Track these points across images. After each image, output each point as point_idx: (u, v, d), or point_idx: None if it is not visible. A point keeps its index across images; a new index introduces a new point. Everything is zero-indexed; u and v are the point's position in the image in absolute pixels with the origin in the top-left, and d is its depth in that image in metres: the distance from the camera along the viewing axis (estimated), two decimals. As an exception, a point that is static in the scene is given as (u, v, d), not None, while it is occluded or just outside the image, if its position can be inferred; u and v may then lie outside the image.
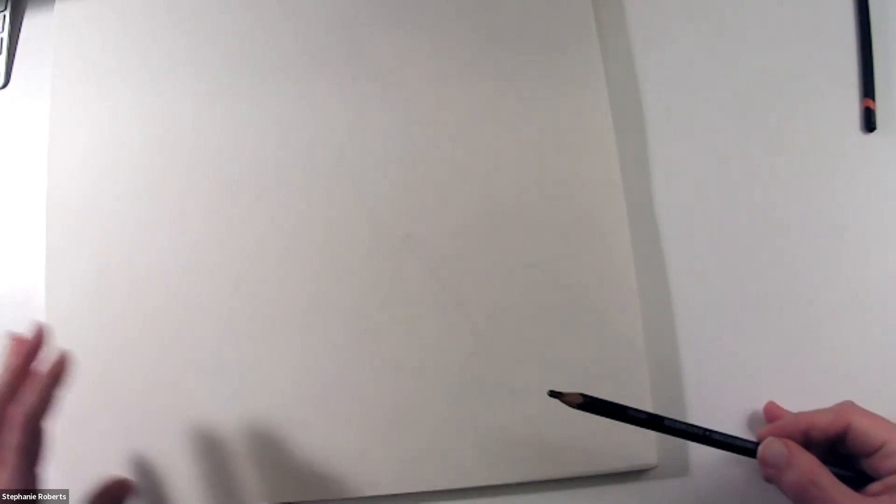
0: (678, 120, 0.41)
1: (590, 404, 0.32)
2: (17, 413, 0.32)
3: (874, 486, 0.30)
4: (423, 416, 0.37)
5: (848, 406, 0.32)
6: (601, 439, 0.36)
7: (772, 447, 0.31)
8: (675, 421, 0.32)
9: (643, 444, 0.36)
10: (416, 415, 0.37)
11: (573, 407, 0.32)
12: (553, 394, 0.32)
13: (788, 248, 0.39)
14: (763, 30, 0.43)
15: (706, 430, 0.32)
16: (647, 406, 0.36)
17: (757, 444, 0.32)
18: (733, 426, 0.36)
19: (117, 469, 0.38)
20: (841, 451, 0.32)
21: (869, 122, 0.40)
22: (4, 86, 0.47)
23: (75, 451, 0.39)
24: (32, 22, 0.48)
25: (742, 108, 0.41)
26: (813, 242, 0.39)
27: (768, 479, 0.32)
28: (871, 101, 0.40)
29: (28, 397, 0.32)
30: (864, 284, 0.38)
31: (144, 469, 0.38)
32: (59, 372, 0.34)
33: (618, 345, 0.37)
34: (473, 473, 0.36)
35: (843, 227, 0.39)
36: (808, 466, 0.30)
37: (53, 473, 0.38)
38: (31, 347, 0.34)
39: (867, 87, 0.41)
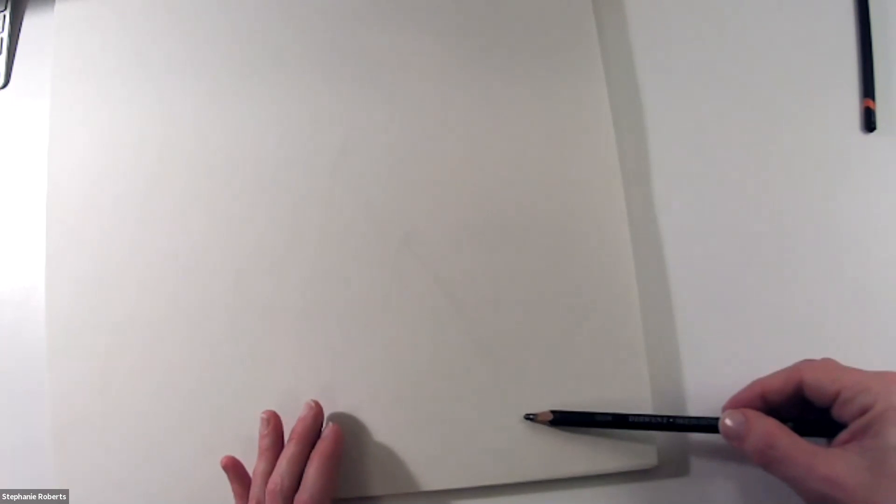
0: (678, 120, 0.41)
1: (560, 419, 0.35)
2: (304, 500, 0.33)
3: (842, 436, 0.29)
4: (421, 416, 0.37)
5: (801, 363, 0.32)
6: (602, 440, 0.36)
7: (730, 418, 0.31)
8: (638, 415, 0.34)
9: (643, 445, 0.36)
10: (414, 415, 0.37)
11: (546, 425, 0.33)
12: (528, 417, 0.35)
13: (788, 247, 0.39)
14: (763, 30, 0.43)
15: (669, 416, 0.34)
16: (648, 405, 0.36)
17: (718, 419, 0.32)
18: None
19: (117, 469, 0.38)
20: (808, 405, 0.31)
21: (869, 122, 0.40)
22: (4, 86, 0.47)
23: (75, 451, 0.39)
24: (32, 22, 0.48)
25: (742, 107, 0.41)
26: (813, 242, 0.39)
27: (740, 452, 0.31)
28: (871, 101, 0.40)
29: (312, 484, 0.34)
30: (865, 284, 0.38)
31: (144, 467, 0.38)
32: (335, 450, 0.35)
33: (618, 345, 0.37)
34: (473, 474, 0.36)
35: (843, 226, 0.39)
36: (766, 430, 0.30)
37: (53, 473, 0.39)
38: (311, 427, 0.36)
39: (867, 87, 0.41)
